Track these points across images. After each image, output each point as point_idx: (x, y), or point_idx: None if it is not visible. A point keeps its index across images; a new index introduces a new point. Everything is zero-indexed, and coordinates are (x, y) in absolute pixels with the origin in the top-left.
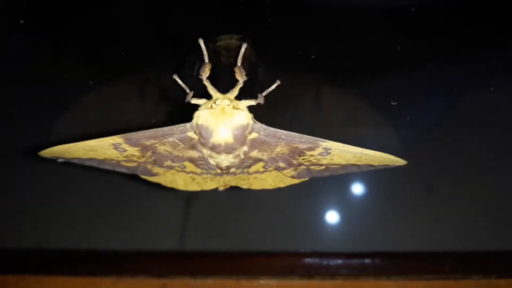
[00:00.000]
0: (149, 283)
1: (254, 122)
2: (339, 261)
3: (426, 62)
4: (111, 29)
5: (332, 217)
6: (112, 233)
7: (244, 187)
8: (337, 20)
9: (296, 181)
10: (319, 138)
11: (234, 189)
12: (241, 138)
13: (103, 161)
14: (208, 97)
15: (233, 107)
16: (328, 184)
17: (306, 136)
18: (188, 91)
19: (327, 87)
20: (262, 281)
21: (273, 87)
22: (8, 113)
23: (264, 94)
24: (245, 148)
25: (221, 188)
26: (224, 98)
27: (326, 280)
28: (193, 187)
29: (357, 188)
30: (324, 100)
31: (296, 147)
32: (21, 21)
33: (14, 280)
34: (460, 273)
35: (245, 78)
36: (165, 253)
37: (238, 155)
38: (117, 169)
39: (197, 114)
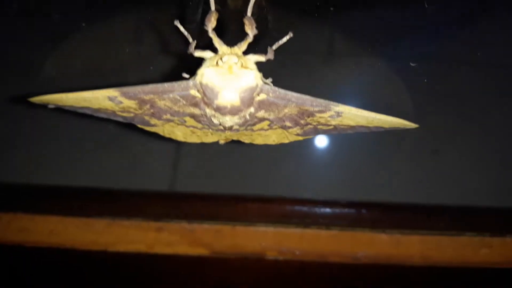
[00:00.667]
0: (145, 225)
1: (264, 82)
2: (336, 210)
3: None
4: None
5: (330, 166)
6: (107, 173)
7: (246, 141)
8: None
9: (301, 138)
10: (332, 102)
11: None
12: (248, 100)
13: (98, 110)
14: (213, 49)
15: (241, 66)
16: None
17: (318, 99)
18: (190, 40)
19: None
20: (258, 228)
21: (285, 39)
22: None
23: (274, 47)
24: (252, 109)
25: (222, 142)
26: (231, 54)
27: (321, 230)
28: (193, 139)
29: (358, 139)
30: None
31: (306, 109)
32: None
33: (6, 218)
34: (454, 229)
35: (255, 31)
36: (161, 194)
37: (244, 116)
38: (113, 118)
39: (201, 72)
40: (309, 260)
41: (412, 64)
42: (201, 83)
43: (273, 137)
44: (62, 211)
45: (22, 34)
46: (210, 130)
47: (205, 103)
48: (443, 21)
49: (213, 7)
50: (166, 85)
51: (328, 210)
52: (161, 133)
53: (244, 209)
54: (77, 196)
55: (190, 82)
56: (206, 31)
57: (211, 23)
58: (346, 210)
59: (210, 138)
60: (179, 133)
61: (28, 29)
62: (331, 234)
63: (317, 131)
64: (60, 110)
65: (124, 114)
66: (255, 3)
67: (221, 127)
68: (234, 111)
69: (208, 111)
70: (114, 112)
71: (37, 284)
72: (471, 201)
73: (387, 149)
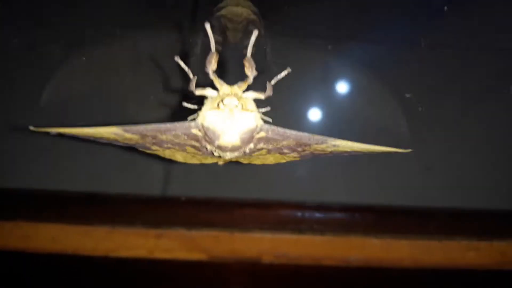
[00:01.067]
0: (145, 232)
1: (263, 118)
2: (329, 216)
3: None
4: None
5: (323, 172)
6: (107, 180)
7: (245, 162)
8: None
9: (298, 158)
10: (329, 138)
11: None
12: (248, 139)
13: (100, 138)
14: (214, 87)
15: (242, 108)
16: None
17: (315, 136)
18: (191, 76)
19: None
20: (255, 234)
21: (283, 75)
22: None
23: (272, 83)
24: (251, 145)
25: (220, 163)
26: (231, 94)
27: (316, 235)
28: (193, 161)
29: None
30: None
31: (304, 142)
32: None
33: (8, 226)
34: (443, 233)
35: (255, 73)
36: (160, 201)
37: (244, 151)
38: (115, 144)
39: (202, 114)
40: (303, 264)
41: (407, 95)
42: (202, 125)
43: (271, 159)
44: (63, 218)
45: (24, 65)
46: (210, 157)
47: (206, 141)
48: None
49: (213, 48)
50: (169, 125)
51: (322, 215)
52: (162, 155)
53: (241, 215)
54: (78, 203)
55: (192, 123)
56: (207, 73)
57: (211, 65)
58: (339, 215)
59: (209, 160)
60: (180, 157)
61: (30, 60)
62: (325, 239)
63: (314, 155)
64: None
65: (127, 142)
66: (253, 44)
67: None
68: (234, 149)
69: (209, 147)
70: (116, 140)
71: None
72: (459, 206)
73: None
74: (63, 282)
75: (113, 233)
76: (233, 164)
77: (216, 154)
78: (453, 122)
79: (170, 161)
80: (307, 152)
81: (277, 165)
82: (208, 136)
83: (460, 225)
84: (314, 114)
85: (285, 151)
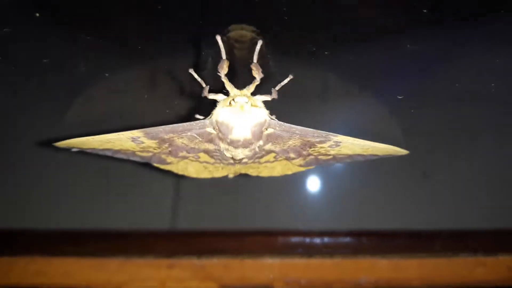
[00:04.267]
0: (157, 263)
1: (271, 118)
2: (338, 240)
3: None
4: (127, 22)
5: (329, 198)
6: (117, 214)
7: (253, 174)
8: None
9: (303, 168)
10: (331, 133)
11: None
12: (258, 134)
13: (119, 151)
14: (225, 92)
15: (251, 105)
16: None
17: (319, 131)
18: (204, 85)
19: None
20: (265, 260)
21: (286, 81)
22: (23, 105)
23: (277, 88)
24: (261, 142)
25: (231, 176)
26: (241, 95)
27: (325, 259)
28: (205, 174)
29: (354, 172)
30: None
31: (308, 140)
32: (37, 14)
33: (22, 262)
34: (450, 251)
35: (261, 75)
36: (170, 232)
37: (254, 149)
38: (131, 158)
39: (216, 112)
40: None
41: (399, 97)
42: (217, 121)
43: (278, 169)
44: (76, 252)
45: (47, 84)
46: (222, 164)
47: (220, 139)
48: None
49: (224, 56)
50: (185, 125)
51: (330, 239)
52: (175, 171)
53: (250, 243)
54: (90, 238)
55: (207, 121)
56: (219, 76)
57: (223, 69)
58: (347, 239)
59: (220, 173)
60: (192, 170)
61: (52, 80)
62: (334, 263)
63: (318, 162)
64: (77, 155)
65: (143, 154)
66: (258, 52)
67: (232, 161)
68: (245, 144)
69: (222, 145)
70: (133, 153)
71: None
72: (464, 224)
73: (381, 179)
74: None
75: (126, 265)
76: (242, 191)
77: (228, 154)
78: (456, 142)
79: (180, 194)
80: (311, 157)
81: (284, 193)
82: (221, 132)
83: (467, 242)
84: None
85: (291, 155)
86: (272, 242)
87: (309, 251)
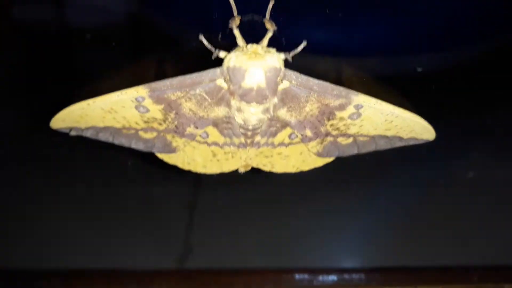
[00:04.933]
0: None
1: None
2: (346, 277)
3: None
4: None
5: (336, 235)
6: (115, 253)
7: (266, 169)
8: None
9: (320, 162)
10: (351, 90)
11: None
12: (273, 83)
13: (120, 131)
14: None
15: (265, 51)
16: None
17: (338, 87)
18: (213, 49)
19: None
20: None
21: (300, 48)
22: (25, 85)
23: (291, 54)
24: (276, 100)
25: (241, 170)
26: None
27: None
28: (213, 166)
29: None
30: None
31: (327, 104)
32: None
33: None
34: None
35: (275, 27)
36: (175, 272)
37: (268, 110)
38: (134, 145)
39: (228, 57)
40: None
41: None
42: (228, 68)
43: (292, 160)
44: None
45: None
46: (232, 147)
47: (231, 93)
48: None
49: (235, 13)
50: (194, 76)
51: (337, 277)
52: (181, 164)
53: (257, 282)
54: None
55: (217, 70)
56: (231, 30)
57: (235, 22)
58: (353, 275)
59: (230, 164)
60: (199, 159)
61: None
62: None
63: (337, 147)
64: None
65: (147, 136)
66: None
67: (243, 139)
68: (259, 97)
69: (234, 102)
70: (136, 133)
71: None
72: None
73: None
74: None
75: None
76: (247, 229)
77: (239, 119)
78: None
79: (187, 233)
80: (330, 139)
81: (291, 232)
82: (233, 81)
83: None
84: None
85: (308, 133)
86: (279, 281)
87: None
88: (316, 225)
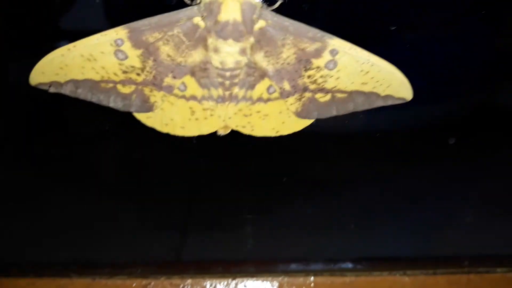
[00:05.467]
0: None
1: (262, 7)
2: None
3: None
4: None
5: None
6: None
7: (246, 131)
8: None
9: (300, 125)
10: (326, 33)
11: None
12: (249, 19)
13: (99, 84)
14: None
15: None
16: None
17: (313, 28)
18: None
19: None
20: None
21: (277, 4)
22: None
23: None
24: (252, 39)
25: (220, 131)
26: None
27: (336, 277)
28: (192, 127)
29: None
30: None
31: (303, 49)
32: None
33: None
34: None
35: None
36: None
37: (245, 50)
38: (112, 102)
39: None
40: None
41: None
42: (204, 3)
43: (272, 122)
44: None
45: None
46: (210, 102)
47: (208, 31)
48: None
49: None
50: (172, 14)
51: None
52: (159, 126)
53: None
54: None
55: (195, 7)
56: None
57: None
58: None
59: (209, 124)
60: (178, 118)
61: None
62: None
63: (315, 106)
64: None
65: (125, 90)
66: None
67: (221, 91)
68: (236, 33)
69: (211, 41)
70: (115, 87)
71: None
72: None
73: None
74: None
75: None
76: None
77: (217, 61)
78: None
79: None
80: (308, 95)
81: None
82: (209, 16)
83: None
84: None
85: (286, 86)
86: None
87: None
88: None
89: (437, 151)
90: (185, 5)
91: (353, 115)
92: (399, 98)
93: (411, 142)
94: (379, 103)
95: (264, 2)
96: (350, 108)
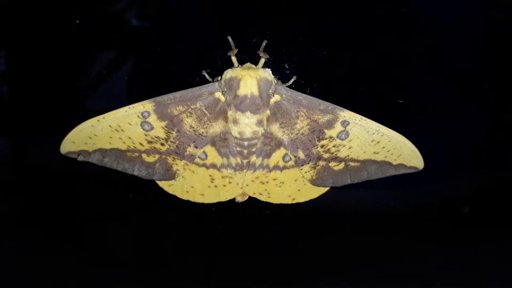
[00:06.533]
0: None
1: (277, 84)
2: None
3: None
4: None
5: None
6: None
7: (263, 198)
8: None
9: (315, 193)
10: (337, 106)
11: None
12: (265, 94)
13: (125, 154)
14: None
15: (258, 67)
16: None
17: (325, 102)
18: (211, 79)
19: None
20: None
21: (291, 82)
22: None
23: (284, 84)
24: (268, 112)
25: (238, 199)
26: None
27: None
28: (211, 194)
29: None
30: None
31: (315, 120)
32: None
33: None
34: None
35: (267, 56)
36: None
37: (261, 122)
38: (137, 171)
39: (226, 71)
40: None
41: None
42: (225, 80)
43: (288, 189)
44: None
45: None
46: (229, 170)
47: (228, 104)
48: None
49: (233, 47)
50: (195, 89)
51: None
52: (180, 193)
53: None
54: None
55: (216, 83)
56: (229, 57)
57: (232, 51)
58: None
59: (228, 191)
60: (198, 186)
61: None
62: None
63: (329, 174)
64: None
65: (149, 159)
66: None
67: (239, 159)
68: (253, 106)
69: (230, 113)
70: (140, 156)
71: None
72: None
73: None
74: None
75: None
76: None
77: (235, 131)
78: None
79: None
80: (322, 164)
81: None
82: (229, 90)
83: None
84: None
85: (300, 154)
86: None
87: None
88: None
89: None
90: (206, 82)
91: None
92: (411, 167)
93: None
94: (392, 172)
95: (279, 79)
96: (364, 176)
